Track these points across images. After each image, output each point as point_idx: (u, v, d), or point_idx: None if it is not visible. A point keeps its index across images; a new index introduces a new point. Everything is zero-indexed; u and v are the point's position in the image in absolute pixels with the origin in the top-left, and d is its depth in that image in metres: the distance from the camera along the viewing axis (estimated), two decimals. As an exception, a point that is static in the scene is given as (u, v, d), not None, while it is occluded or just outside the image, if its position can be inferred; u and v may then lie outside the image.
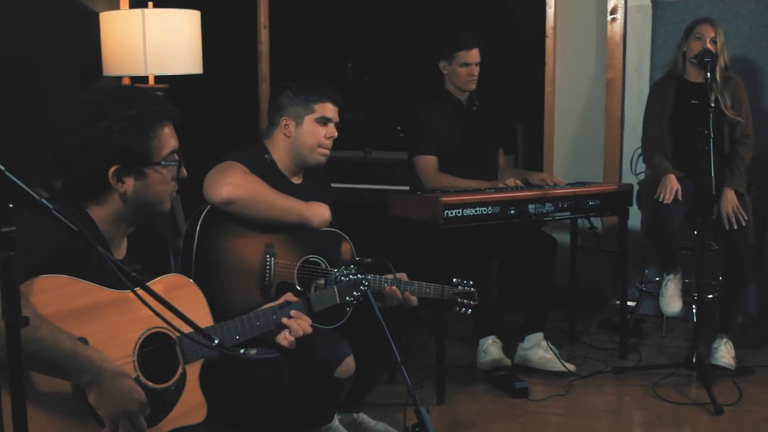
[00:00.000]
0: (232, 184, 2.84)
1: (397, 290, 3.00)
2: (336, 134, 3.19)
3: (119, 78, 3.91)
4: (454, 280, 3.27)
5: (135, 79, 3.93)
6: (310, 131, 3.12)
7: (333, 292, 2.69)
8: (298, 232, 2.99)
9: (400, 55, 5.46)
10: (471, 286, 3.27)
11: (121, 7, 3.97)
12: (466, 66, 4.24)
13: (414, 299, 3.11)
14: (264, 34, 5.46)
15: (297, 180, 3.19)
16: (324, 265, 3.01)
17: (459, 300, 3.24)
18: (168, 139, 2.17)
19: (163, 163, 2.15)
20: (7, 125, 3.23)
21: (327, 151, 3.18)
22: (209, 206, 2.88)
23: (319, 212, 3.04)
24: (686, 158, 4.16)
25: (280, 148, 3.14)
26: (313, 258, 3.01)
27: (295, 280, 2.94)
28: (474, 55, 4.24)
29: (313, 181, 3.26)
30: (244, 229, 2.90)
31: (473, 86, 4.28)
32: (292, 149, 3.14)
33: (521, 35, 5.23)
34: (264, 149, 3.15)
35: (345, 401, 3.23)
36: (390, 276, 2.97)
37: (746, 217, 4.00)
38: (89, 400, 1.91)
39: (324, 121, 3.14)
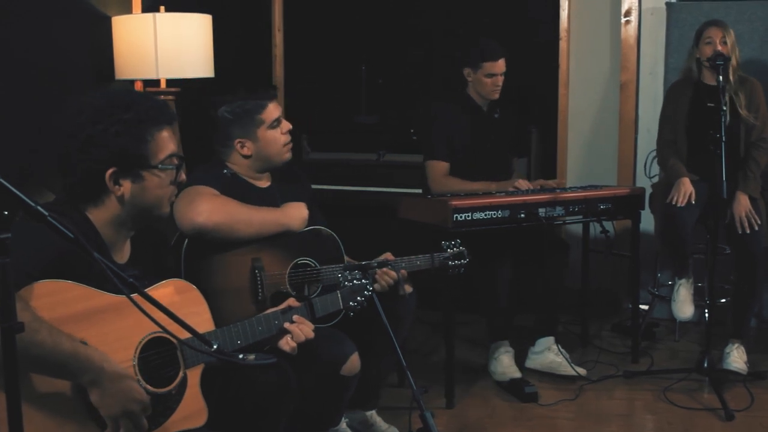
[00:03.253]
0: (204, 212, 2.76)
1: (390, 272, 3.00)
2: (291, 126, 3.11)
3: (131, 81, 3.94)
4: (443, 243, 3.26)
5: (147, 83, 3.95)
6: (270, 139, 3.04)
7: (336, 296, 2.69)
8: (281, 238, 2.95)
9: (415, 58, 5.46)
10: (459, 244, 3.26)
11: (134, 11, 3.99)
12: (492, 76, 4.21)
13: (405, 279, 3.10)
14: (278, 37, 5.48)
15: (264, 183, 3.12)
16: (314, 265, 2.99)
17: (450, 263, 3.24)
18: (166, 142, 2.17)
19: (160, 166, 2.16)
20: (21, 128, 3.26)
21: (291, 145, 3.11)
22: (187, 238, 2.81)
23: (296, 214, 2.98)
24: (700, 161, 4.13)
25: (242, 165, 3.06)
26: (302, 261, 2.98)
27: (287, 288, 2.92)
28: (500, 65, 4.22)
29: (284, 180, 3.19)
30: (226, 250, 2.84)
31: (497, 96, 4.26)
32: (257, 161, 3.06)
33: (535, 38, 5.21)
34: (222, 164, 3.05)
35: (356, 398, 3.22)
36: (378, 259, 2.99)
37: (759, 222, 3.97)
38: (91, 399, 1.92)
39: (276, 123, 3.06)
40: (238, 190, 2.99)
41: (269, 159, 3.07)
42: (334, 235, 3.10)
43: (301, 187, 3.25)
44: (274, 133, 3.05)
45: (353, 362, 2.89)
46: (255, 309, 2.79)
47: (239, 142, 3.02)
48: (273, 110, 3.05)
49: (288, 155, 3.11)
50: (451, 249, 3.25)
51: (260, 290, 2.86)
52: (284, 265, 2.94)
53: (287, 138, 3.09)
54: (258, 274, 2.86)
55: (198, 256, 2.80)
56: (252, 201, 2.96)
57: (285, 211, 2.98)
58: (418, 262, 3.15)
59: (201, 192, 2.85)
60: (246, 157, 3.04)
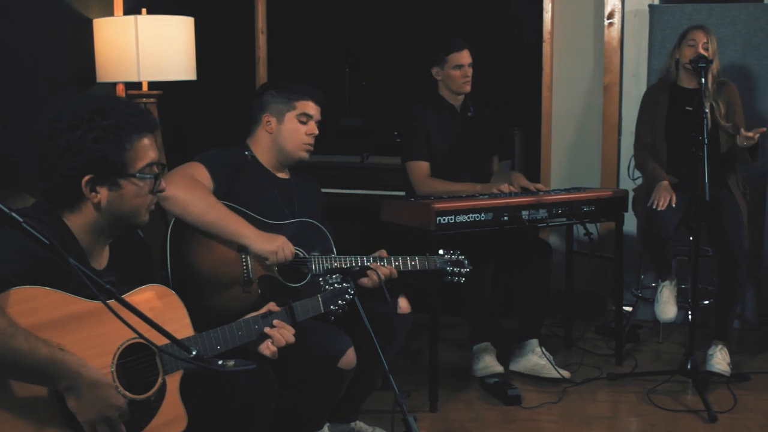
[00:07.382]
0: (172, 181, 2.84)
1: (379, 267, 3.01)
2: (317, 132, 3.23)
3: (113, 84, 3.91)
4: (441, 251, 3.25)
5: (128, 85, 3.93)
6: (291, 128, 3.18)
7: (317, 301, 2.67)
8: (269, 228, 3.00)
9: (399, 60, 5.45)
10: (459, 253, 3.25)
11: (115, 13, 3.97)
12: (459, 68, 4.24)
13: (391, 271, 3.07)
14: (262, 39, 5.46)
15: (283, 175, 3.23)
16: (302, 254, 3.04)
17: (448, 269, 3.21)
18: (146, 151, 2.15)
19: (138, 175, 2.14)
20: (1, 131, 3.24)
21: (310, 147, 3.23)
22: (174, 218, 2.92)
23: (266, 242, 2.91)
24: (680, 164, 4.15)
25: (262, 145, 3.20)
26: None
27: (275, 271, 2.96)
28: (465, 56, 4.25)
29: (303, 180, 3.31)
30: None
31: (468, 88, 4.28)
32: (275, 145, 3.19)
33: (521, 40, 5.21)
34: (245, 147, 3.21)
35: (341, 409, 3.22)
36: (372, 255, 3.06)
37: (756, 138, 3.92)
38: (68, 404, 1.91)
39: (305, 118, 3.19)
40: (250, 170, 3.12)
41: (284, 147, 3.19)
42: (324, 229, 3.17)
43: (317, 193, 3.35)
44: (299, 125, 3.19)
45: (350, 356, 2.92)
46: (241, 290, 2.90)
47: (267, 117, 3.18)
48: (309, 107, 3.21)
49: (301, 155, 3.22)
50: (449, 255, 3.23)
51: (246, 272, 2.92)
52: None
53: (309, 140, 3.21)
54: (244, 257, 2.92)
55: (185, 234, 2.89)
56: (268, 187, 3.10)
57: (260, 233, 2.93)
58: (412, 263, 3.15)
59: (188, 166, 2.98)
60: (268, 133, 3.17)
